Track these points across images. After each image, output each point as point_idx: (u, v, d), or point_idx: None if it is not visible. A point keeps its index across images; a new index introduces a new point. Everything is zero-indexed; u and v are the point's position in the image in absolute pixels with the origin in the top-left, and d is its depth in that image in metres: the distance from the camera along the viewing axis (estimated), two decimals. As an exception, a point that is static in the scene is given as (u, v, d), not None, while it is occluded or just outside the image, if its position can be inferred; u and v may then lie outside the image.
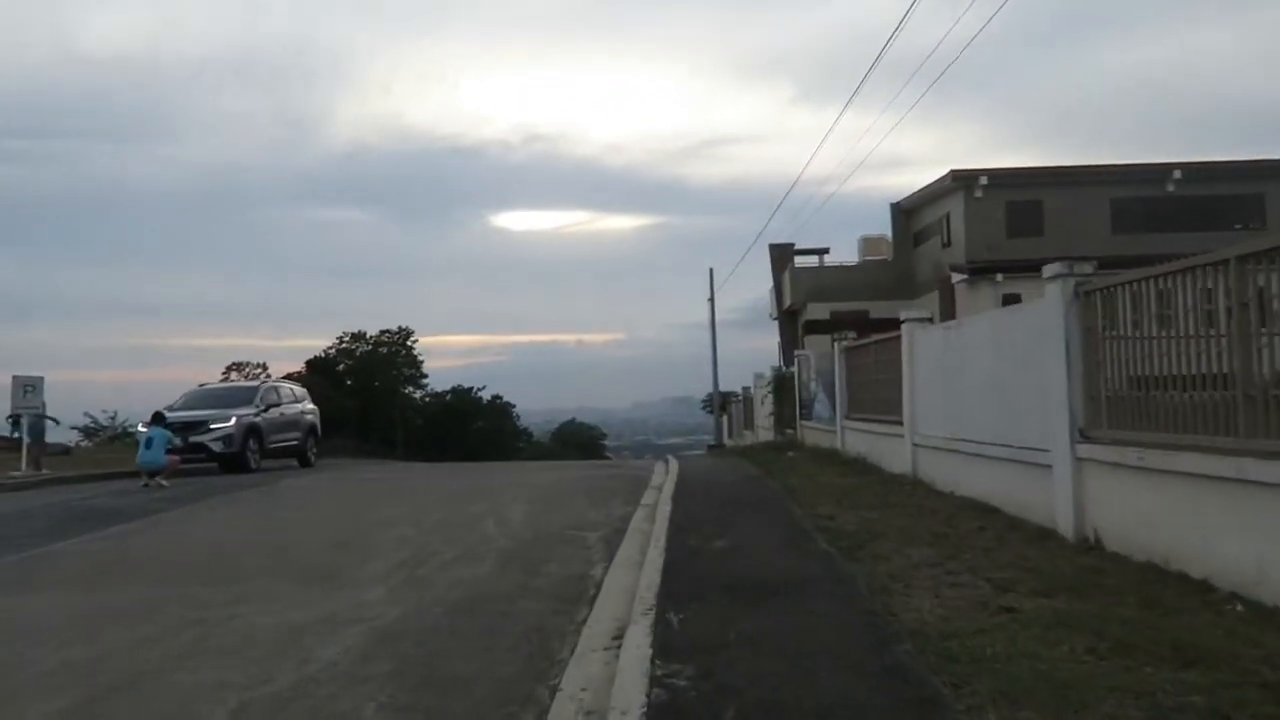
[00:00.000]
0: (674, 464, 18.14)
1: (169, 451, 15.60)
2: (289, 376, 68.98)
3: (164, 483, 15.16)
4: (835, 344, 15.77)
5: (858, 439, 14.56)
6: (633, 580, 6.58)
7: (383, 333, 78.02)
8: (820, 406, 17.59)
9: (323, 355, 77.21)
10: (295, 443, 20.07)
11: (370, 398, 74.52)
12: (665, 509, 10.20)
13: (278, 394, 20.18)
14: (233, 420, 17.90)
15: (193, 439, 17.34)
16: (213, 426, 17.68)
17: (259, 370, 70.40)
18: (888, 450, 12.65)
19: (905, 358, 11.69)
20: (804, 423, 19.62)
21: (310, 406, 21.58)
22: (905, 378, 11.66)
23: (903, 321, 11.85)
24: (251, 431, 18.26)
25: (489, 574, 7.56)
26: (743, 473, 14.77)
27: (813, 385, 18.48)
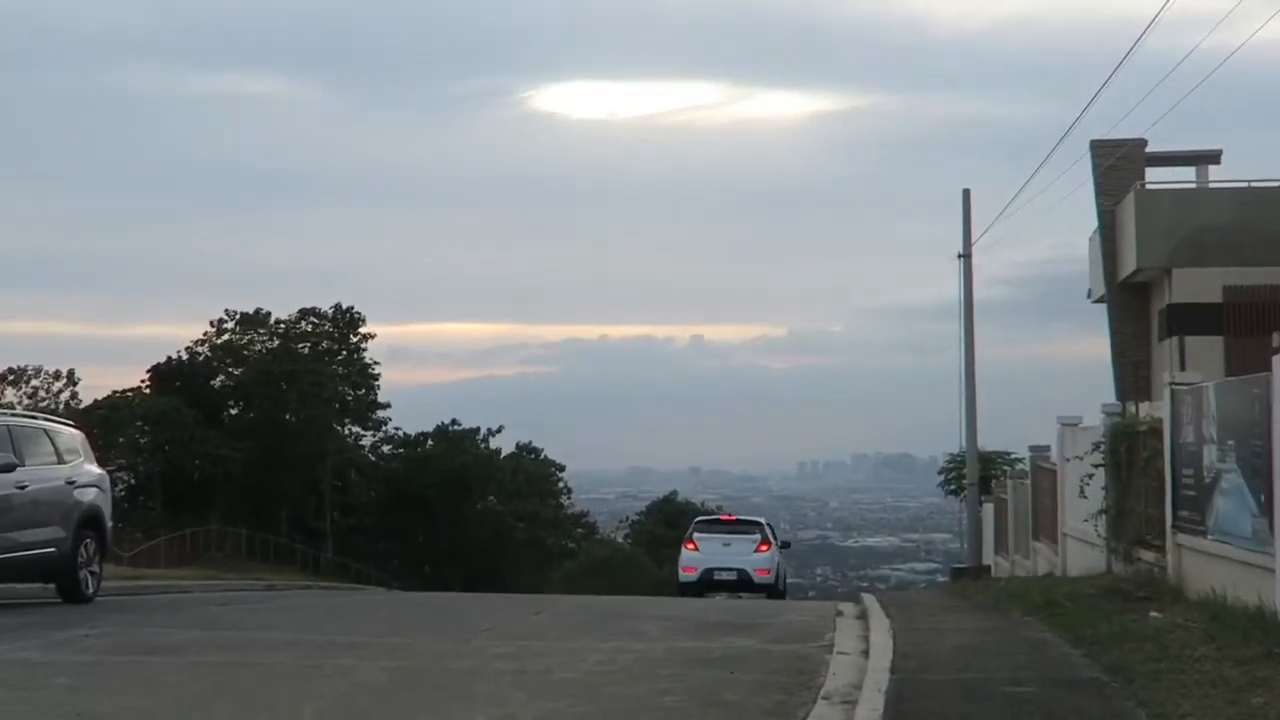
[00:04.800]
0: (882, 630, 16.61)
1: None
2: (116, 395, 70.09)
3: None
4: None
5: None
6: None
7: (302, 315, 77.64)
8: (1229, 504, 16.22)
9: (183, 357, 77.43)
10: (48, 552, 19.09)
11: (277, 442, 73.81)
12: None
13: (12, 441, 18.99)
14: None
15: None
16: None
17: (57, 383, 70.76)
18: None
19: None
20: (1183, 537, 18.48)
21: (92, 472, 20.98)
22: None
23: None
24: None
25: None
26: (1068, 686, 12.66)
27: (1210, 454, 17.07)
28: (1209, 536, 16.87)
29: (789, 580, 44.05)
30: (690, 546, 36.42)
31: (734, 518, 40.43)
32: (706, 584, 34.40)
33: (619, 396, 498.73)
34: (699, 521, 39.71)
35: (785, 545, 41.92)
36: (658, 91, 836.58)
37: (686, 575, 35.38)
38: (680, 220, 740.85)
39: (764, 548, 36.01)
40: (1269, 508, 14.32)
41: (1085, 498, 24.93)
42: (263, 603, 24.65)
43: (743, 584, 34.34)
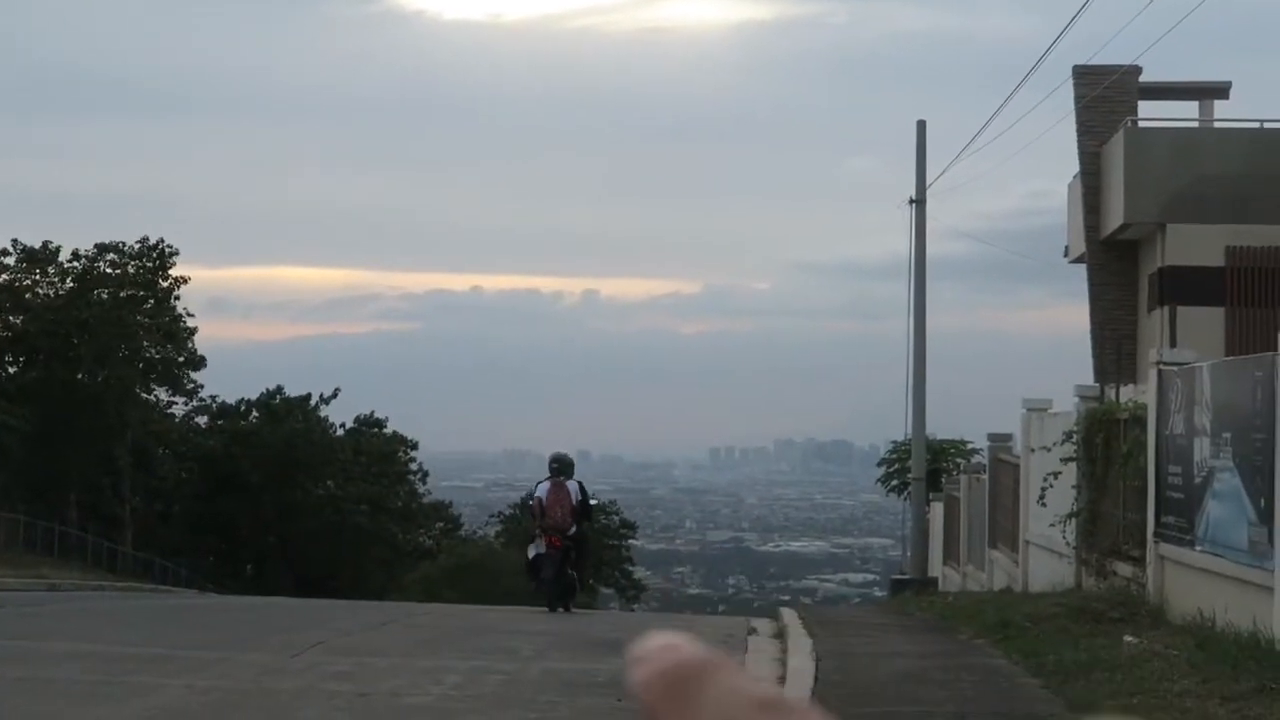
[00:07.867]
0: (803, 652, 16.92)
1: None
2: None
3: None
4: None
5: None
6: None
7: (101, 252, 76.82)
8: (1222, 509, 16.41)
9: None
10: None
11: (67, 409, 72.67)
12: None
13: None
14: None
15: None
16: None
17: None
18: None
19: None
20: (1166, 547, 18.81)
21: None
22: None
23: None
24: None
25: None
26: None
27: (1202, 449, 17.29)
28: (1197, 547, 16.98)
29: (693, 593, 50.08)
30: None
31: None
32: None
33: (494, 363, 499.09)
34: None
35: None
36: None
37: None
38: (574, 149, 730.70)
39: None
40: (1270, 514, 14.44)
41: (1045, 504, 25.14)
42: (44, 605, 24.37)
43: None
